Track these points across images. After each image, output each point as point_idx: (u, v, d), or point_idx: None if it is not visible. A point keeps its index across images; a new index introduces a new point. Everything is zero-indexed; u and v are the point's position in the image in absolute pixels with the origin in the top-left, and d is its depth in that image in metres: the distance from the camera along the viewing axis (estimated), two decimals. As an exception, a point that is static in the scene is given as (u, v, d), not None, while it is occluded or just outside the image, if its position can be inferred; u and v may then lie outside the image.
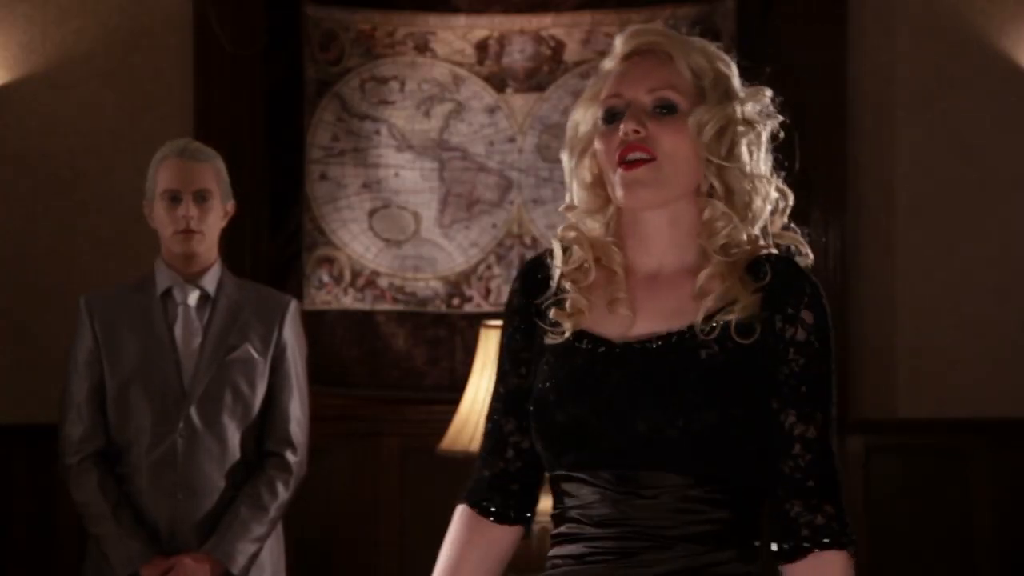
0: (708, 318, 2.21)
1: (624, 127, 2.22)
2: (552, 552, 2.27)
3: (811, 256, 2.31)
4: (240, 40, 6.09)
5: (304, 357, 4.12)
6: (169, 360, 3.95)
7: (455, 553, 2.35)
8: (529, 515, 2.38)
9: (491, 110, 6.25)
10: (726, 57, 2.32)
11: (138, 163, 4.21)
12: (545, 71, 6.23)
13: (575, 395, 2.22)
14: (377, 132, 6.22)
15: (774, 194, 2.30)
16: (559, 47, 6.23)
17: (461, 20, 6.24)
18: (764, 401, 2.21)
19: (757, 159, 2.29)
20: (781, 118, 2.32)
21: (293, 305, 4.09)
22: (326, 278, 6.23)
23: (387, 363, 6.21)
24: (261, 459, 4.00)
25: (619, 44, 2.29)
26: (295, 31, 6.23)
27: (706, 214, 2.25)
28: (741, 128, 2.25)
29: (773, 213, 2.31)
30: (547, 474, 2.32)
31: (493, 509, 2.36)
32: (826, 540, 2.20)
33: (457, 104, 6.25)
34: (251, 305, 4.03)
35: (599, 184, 2.31)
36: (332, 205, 6.22)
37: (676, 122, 2.24)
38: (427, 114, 6.25)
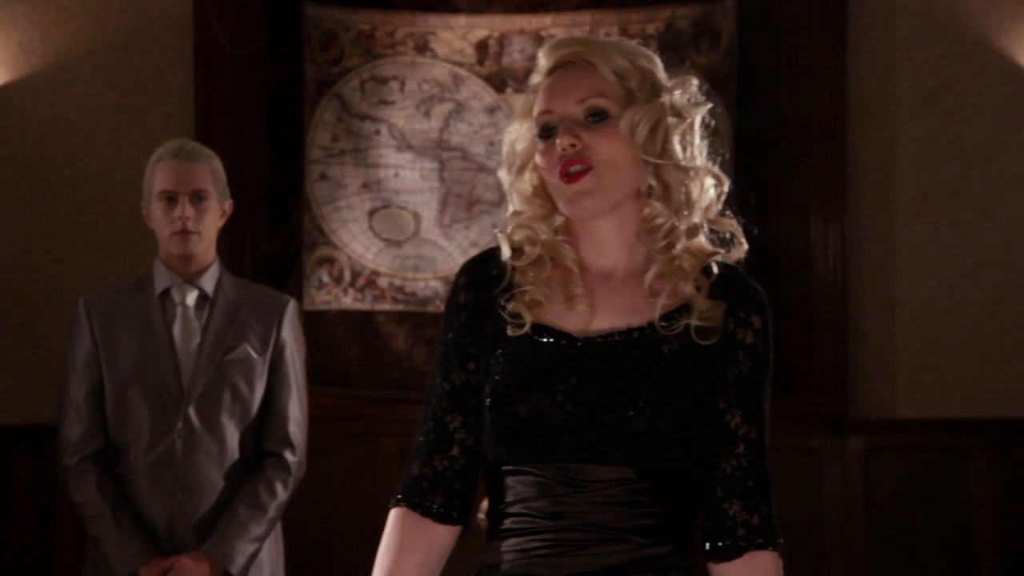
0: (667, 316, 2.26)
1: (560, 142, 2.26)
2: (498, 547, 2.27)
3: (746, 245, 2.34)
4: (240, 40, 6.09)
5: (303, 357, 4.11)
6: (167, 360, 3.95)
7: (394, 558, 2.33)
8: (468, 514, 2.36)
9: (491, 110, 6.25)
10: (648, 52, 2.34)
11: (138, 163, 4.21)
12: (545, 71, 6.23)
13: (538, 387, 2.23)
14: (377, 132, 6.22)
15: (710, 181, 2.33)
16: (559, 47, 6.23)
17: (461, 20, 6.24)
18: (714, 400, 2.26)
19: (691, 151, 2.31)
20: (710, 104, 2.35)
21: (291, 305, 4.09)
22: (326, 278, 6.23)
23: (387, 363, 6.21)
24: (260, 459, 4.00)
25: (542, 58, 2.33)
26: (295, 31, 6.23)
27: (645, 213, 2.29)
28: (672, 120, 2.28)
29: (710, 200, 2.34)
30: (490, 469, 2.31)
31: (436, 509, 2.33)
32: (760, 540, 2.25)
33: (457, 104, 6.25)
34: (249, 305, 4.02)
35: (540, 195, 2.34)
36: (332, 205, 6.22)
37: (609, 128, 2.27)
38: (427, 114, 6.25)
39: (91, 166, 6.03)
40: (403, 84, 6.24)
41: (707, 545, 2.26)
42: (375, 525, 2.35)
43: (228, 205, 4.06)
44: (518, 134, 2.35)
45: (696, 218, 2.30)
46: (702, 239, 2.31)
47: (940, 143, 6.07)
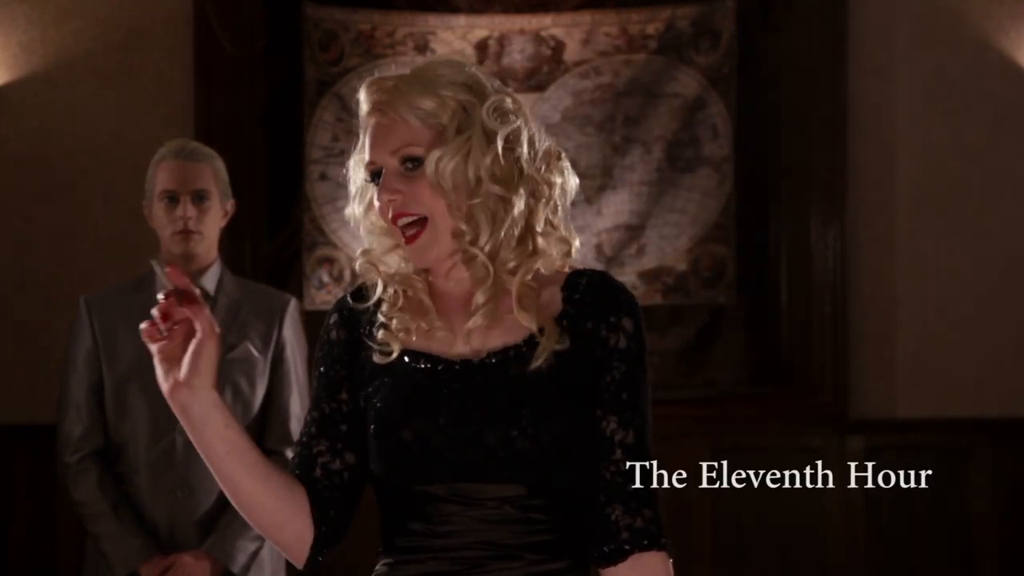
0: (527, 343, 2.25)
1: (380, 198, 2.26)
2: (394, 573, 2.27)
3: (577, 245, 2.31)
4: (240, 40, 6.09)
5: (304, 356, 4.11)
6: (168, 359, 3.94)
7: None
8: (330, 529, 2.32)
9: (491, 110, 6.24)
10: (463, 70, 2.27)
11: (138, 163, 4.21)
12: (545, 71, 6.24)
13: (420, 412, 2.24)
14: (377, 132, 6.22)
15: (543, 188, 2.29)
16: (559, 47, 6.23)
17: (461, 20, 6.25)
18: (591, 408, 2.27)
19: (510, 170, 2.26)
20: (519, 122, 2.28)
21: (293, 304, 4.09)
22: (326, 278, 6.23)
23: (387, 363, 6.21)
24: (261, 458, 4.00)
25: (361, 99, 2.30)
26: (295, 31, 6.23)
27: (462, 257, 2.28)
28: (480, 151, 2.23)
29: (536, 210, 2.29)
30: (381, 494, 2.31)
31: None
32: (645, 542, 2.26)
33: (457, 104, 6.25)
34: (250, 304, 4.03)
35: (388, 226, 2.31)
36: (332, 205, 6.22)
37: (424, 175, 2.24)
38: (427, 114, 6.25)
39: (91, 166, 6.03)
40: (403, 84, 6.24)
41: (594, 551, 2.27)
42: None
43: (230, 205, 4.06)
44: (357, 166, 2.32)
45: (516, 235, 2.26)
46: (553, 254, 2.29)
47: (940, 143, 6.07)
